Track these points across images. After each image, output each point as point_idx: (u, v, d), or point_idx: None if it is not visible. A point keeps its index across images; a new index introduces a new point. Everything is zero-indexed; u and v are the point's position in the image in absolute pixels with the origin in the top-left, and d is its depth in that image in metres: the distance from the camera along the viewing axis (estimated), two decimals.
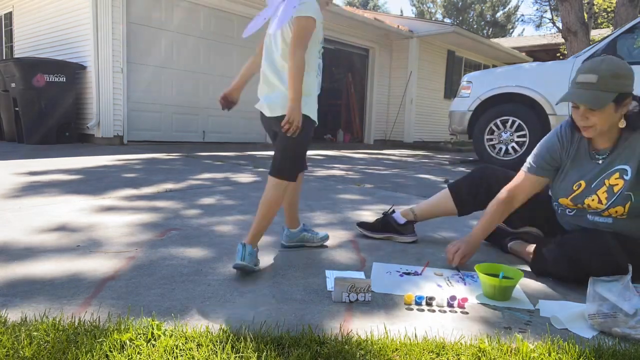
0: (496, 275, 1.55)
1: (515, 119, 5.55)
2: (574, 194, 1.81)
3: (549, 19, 17.66)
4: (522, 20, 38.08)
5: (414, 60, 11.38)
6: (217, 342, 1.12)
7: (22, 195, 2.86)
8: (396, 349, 1.14)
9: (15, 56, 8.48)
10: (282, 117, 1.63)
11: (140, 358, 1.04)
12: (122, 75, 6.96)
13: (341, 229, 2.38)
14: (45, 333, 1.12)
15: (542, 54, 15.14)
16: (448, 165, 6.44)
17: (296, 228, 2.01)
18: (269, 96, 1.75)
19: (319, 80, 1.80)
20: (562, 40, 9.86)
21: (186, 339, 1.13)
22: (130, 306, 1.33)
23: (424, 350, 1.14)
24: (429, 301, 1.44)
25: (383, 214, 2.28)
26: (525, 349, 1.15)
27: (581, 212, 1.84)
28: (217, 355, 1.06)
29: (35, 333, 1.12)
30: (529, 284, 1.70)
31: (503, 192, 1.90)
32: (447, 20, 30.65)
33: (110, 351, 1.06)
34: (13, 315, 1.24)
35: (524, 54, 14.97)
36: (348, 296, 1.43)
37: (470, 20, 31.83)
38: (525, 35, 28.18)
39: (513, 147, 5.60)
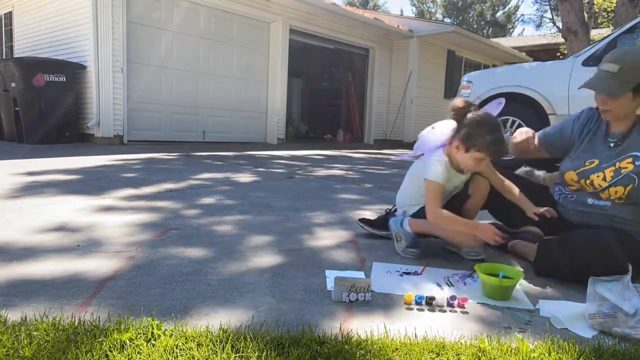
0: (496, 275, 1.55)
1: (515, 118, 5.54)
2: (583, 168, 1.86)
3: (549, 19, 17.68)
4: (522, 20, 38.10)
5: (414, 60, 11.38)
6: (217, 341, 1.12)
7: (22, 195, 2.86)
8: (396, 349, 1.14)
9: (15, 56, 8.48)
10: None
11: (140, 358, 1.04)
12: (122, 75, 6.96)
13: (341, 229, 2.38)
14: (45, 333, 1.12)
15: (542, 53, 15.12)
16: None
17: None
18: None
19: None
20: (562, 40, 9.85)
21: (186, 338, 1.13)
22: (130, 306, 1.33)
23: (424, 350, 1.13)
24: (429, 301, 1.44)
25: (385, 211, 2.29)
26: (525, 348, 1.15)
27: (581, 196, 1.87)
28: (217, 355, 1.06)
29: (35, 333, 1.12)
30: (529, 284, 1.70)
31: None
32: (447, 20, 30.65)
33: (110, 351, 1.06)
34: (13, 315, 1.24)
35: (524, 53, 14.97)
36: (348, 296, 1.43)
37: (470, 20, 31.82)
38: (525, 35, 28.17)
39: None
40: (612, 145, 1.84)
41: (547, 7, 17.67)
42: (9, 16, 8.94)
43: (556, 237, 1.84)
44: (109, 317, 1.25)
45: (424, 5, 33.04)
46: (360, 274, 1.70)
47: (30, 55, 7.86)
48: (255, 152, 6.91)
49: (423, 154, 2.04)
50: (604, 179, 1.79)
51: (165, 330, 1.17)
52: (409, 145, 11.23)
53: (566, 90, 4.95)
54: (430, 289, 1.59)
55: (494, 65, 13.21)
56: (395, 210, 2.25)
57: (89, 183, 3.43)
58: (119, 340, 1.09)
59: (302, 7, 8.96)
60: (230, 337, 1.13)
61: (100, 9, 6.62)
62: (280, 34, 8.95)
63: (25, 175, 3.62)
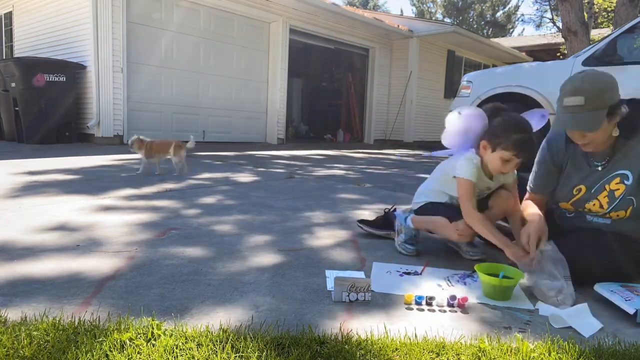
0: (496, 275, 1.55)
1: None
2: (574, 199, 1.82)
3: (549, 19, 17.67)
4: (522, 20, 38.09)
5: (414, 60, 11.38)
6: (217, 341, 1.12)
7: (22, 195, 2.86)
8: (396, 349, 1.13)
9: (15, 56, 8.48)
10: None
11: (140, 358, 1.04)
12: (122, 75, 6.96)
13: (341, 229, 2.38)
14: (45, 333, 1.12)
15: (542, 53, 15.12)
16: None
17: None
18: None
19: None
20: (562, 40, 9.85)
21: (186, 338, 1.13)
22: (130, 306, 1.33)
23: (424, 350, 1.13)
24: (429, 301, 1.44)
25: (384, 211, 2.29)
26: (525, 348, 1.15)
27: (580, 214, 1.85)
28: (217, 355, 1.06)
29: (35, 333, 1.11)
30: (529, 284, 1.70)
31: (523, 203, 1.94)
32: (447, 20, 30.65)
33: (110, 351, 1.05)
34: (13, 315, 1.24)
35: (524, 53, 14.97)
36: (348, 296, 1.43)
37: (470, 20, 31.82)
38: (525, 35, 28.19)
39: None
40: (599, 169, 1.77)
41: (547, 7, 17.68)
42: (9, 16, 8.94)
43: (556, 238, 1.83)
44: (109, 317, 1.25)
45: (424, 5, 33.04)
46: (360, 274, 1.70)
47: (30, 55, 7.86)
48: (255, 152, 6.91)
49: (452, 154, 2.04)
50: (601, 206, 1.75)
51: (165, 330, 1.17)
52: (409, 145, 11.24)
53: None
54: (430, 289, 1.59)
55: (494, 65, 13.21)
56: (395, 210, 2.26)
57: (89, 183, 3.43)
58: (119, 340, 1.09)
59: (302, 7, 8.96)
60: (230, 337, 1.13)
61: (100, 9, 6.62)
62: (280, 34, 8.95)
63: (25, 175, 3.62)
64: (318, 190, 3.59)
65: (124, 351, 1.06)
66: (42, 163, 4.44)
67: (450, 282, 1.68)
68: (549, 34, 16.59)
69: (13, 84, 6.61)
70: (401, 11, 48.21)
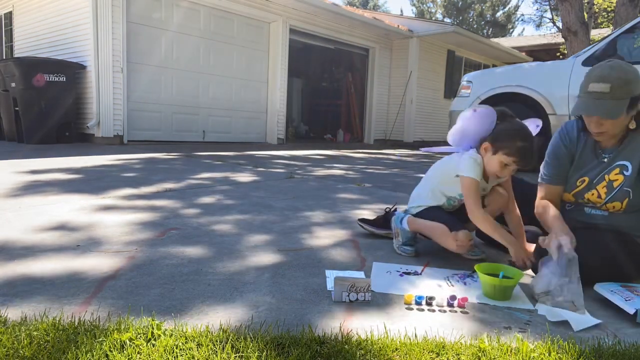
0: (496, 275, 1.55)
1: None
2: (577, 190, 1.83)
3: (549, 19, 17.67)
4: (522, 20, 38.07)
5: (414, 60, 11.37)
6: (217, 341, 1.12)
7: (22, 195, 2.86)
8: (396, 349, 1.13)
9: (15, 56, 8.48)
10: None
11: (140, 358, 1.04)
12: (122, 75, 6.95)
13: (341, 229, 2.38)
14: (45, 333, 1.12)
15: (542, 53, 15.13)
16: None
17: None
18: None
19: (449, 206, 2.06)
20: (562, 40, 9.86)
21: (186, 338, 1.13)
22: (130, 306, 1.33)
23: (424, 350, 1.13)
24: (429, 301, 1.44)
25: (385, 210, 2.29)
26: (525, 348, 1.15)
27: (579, 206, 1.86)
28: (217, 355, 1.06)
29: (35, 333, 1.11)
30: (529, 283, 1.70)
31: (538, 207, 1.88)
32: (447, 20, 30.66)
33: (110, 351, 1.05)
34: (13, 315, 1.24)
35: (524, 53, 14.97)
36: (348, 296, 1.43)
37: (470, 20, 31.83)
38: (525, 35, 28.20)
39: None
40: (605, 160, 1.78)
41: (547, 7, 17.66)
42: (9, 16, 8.94)
43: None
44: (109, 317, 1.25)
45: (424, 5, 33.05)
46: (360, 274, 1.70)
47: (30, 55, 7.86)
48: (255, 152, 6.91)
49: (448, 152, 2.05)
50: (599, 196, 1.77)
51: (165, 330, 1.17)
52: (409, 145, 11.24)
53: (566, 90, 4.95)
54: (430, 289, 1.60)
55: (494, 65, 13.21)
56: (395, 209, 2.26)
57: (89, 183, 3.43)
58: (119, 340, 1.09)
59: (302, 7, 8.96)
60: (230, 337, 1.13)
61: (100, 9, 6.62)
62: (280, 34, 8.95)
63: (26, 175, 3.62)
64: (318, 190, 3.59)
65: (124, 351, 1.06)
66: (42, 163, 4.44)
67: (450, 282, 1.68)
68: (549, 34, 16.60)
69: (13, 84, 6.61)
70: (401, 11, 48.22)
